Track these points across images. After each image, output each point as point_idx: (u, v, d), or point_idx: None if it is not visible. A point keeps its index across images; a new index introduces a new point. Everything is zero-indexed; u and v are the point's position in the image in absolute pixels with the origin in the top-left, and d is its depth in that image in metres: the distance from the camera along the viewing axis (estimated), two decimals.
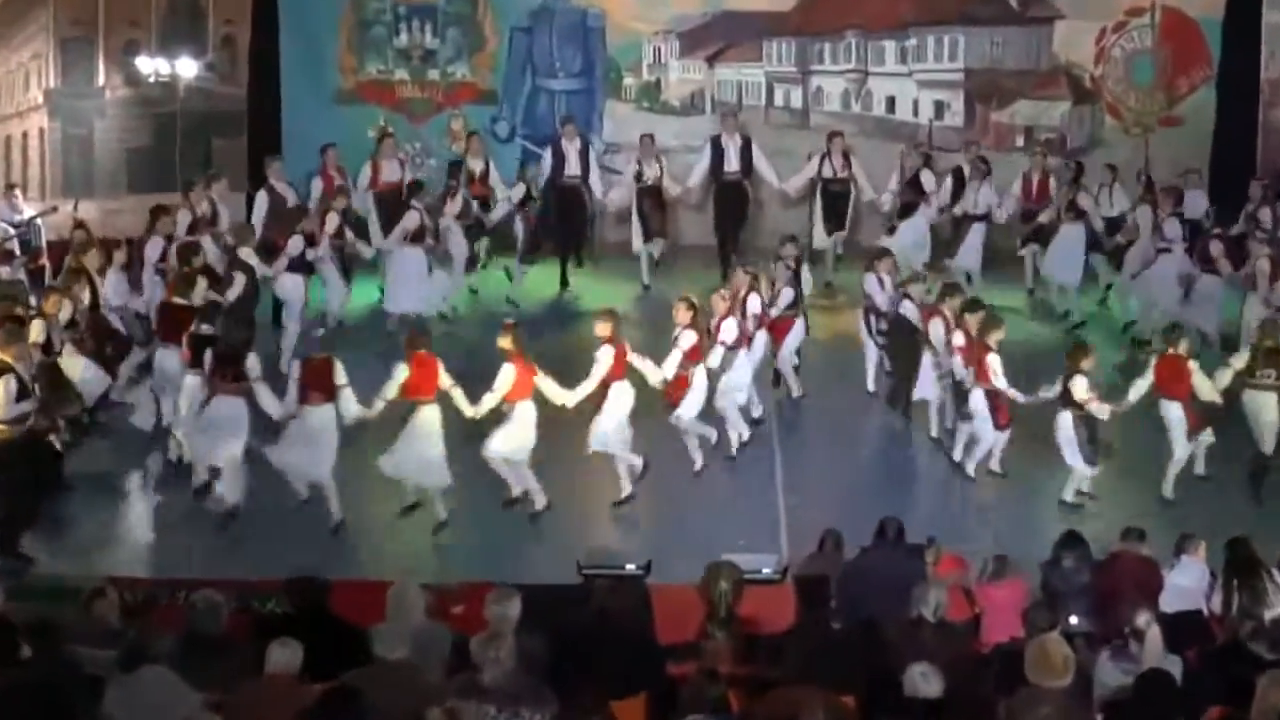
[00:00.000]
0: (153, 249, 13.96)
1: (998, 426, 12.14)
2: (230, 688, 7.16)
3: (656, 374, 11.97)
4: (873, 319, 13.67)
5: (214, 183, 15.35)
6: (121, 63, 18.66)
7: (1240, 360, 12.13)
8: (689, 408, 12.18)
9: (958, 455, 12.59)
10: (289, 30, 18.07)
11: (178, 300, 12.53)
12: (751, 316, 12.88)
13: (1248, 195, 16.02)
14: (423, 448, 11.31)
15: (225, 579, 9.95)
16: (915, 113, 18.29)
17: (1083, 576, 9.44)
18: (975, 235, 16.11)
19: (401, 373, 11.32)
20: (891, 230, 16.36)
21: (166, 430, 12.30)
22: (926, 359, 12.75)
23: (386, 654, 7.22)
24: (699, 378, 12.16)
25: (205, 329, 11.85)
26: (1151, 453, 12.16)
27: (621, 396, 11.72)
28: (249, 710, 7.01)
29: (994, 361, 12.03)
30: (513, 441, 11.46)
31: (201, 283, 12.69)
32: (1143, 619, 7.82)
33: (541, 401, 11.52)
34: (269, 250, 14.28)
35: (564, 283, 16.74)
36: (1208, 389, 11.85)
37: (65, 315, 12.43)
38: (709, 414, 12.46)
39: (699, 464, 12.38)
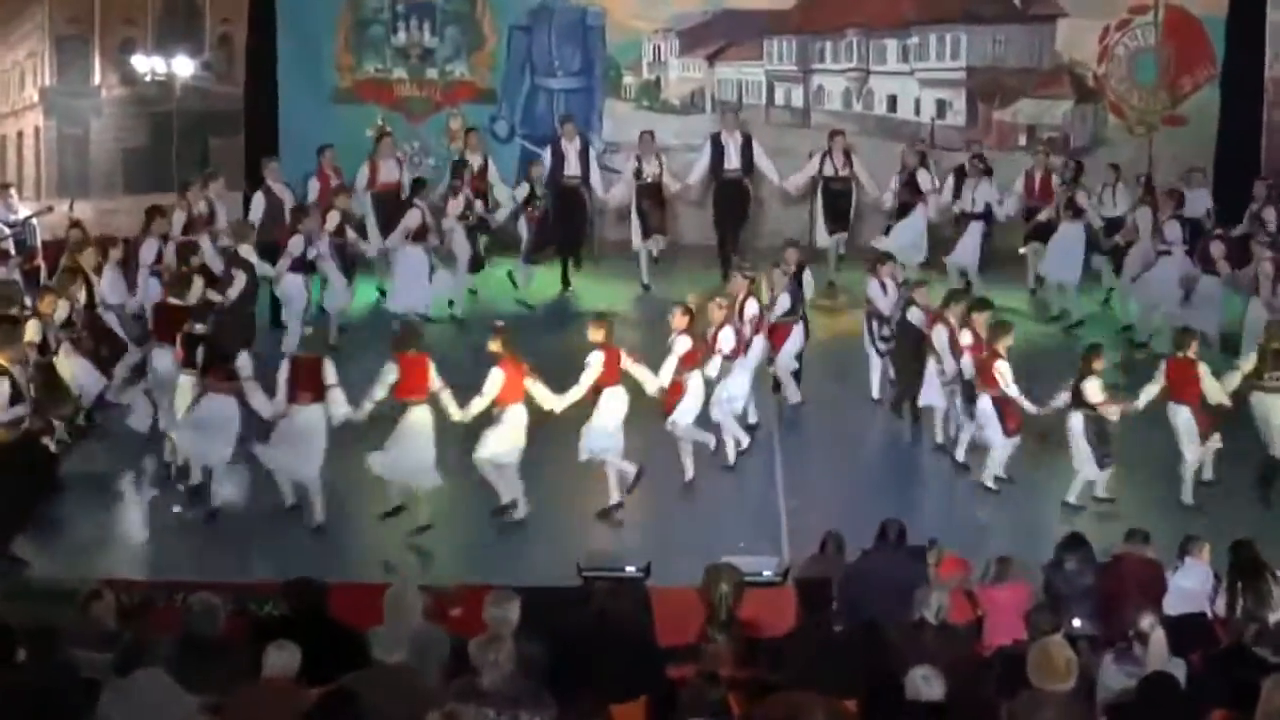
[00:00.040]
0: (148, 250, 13.96)
1: (1007, 433, 12.11)
2: (227, 691, 7.15)
3: (653, 382, 11.91)
4: (875, 324, 13.61)
5: (211, 181, 15.37)
6: (117, 61, 18.66)
7: (1248, 363, 12.14)
8: (684, 414, 12.10)
9: (961, 456, 12.58)
10: (286, 29, 18.06)
11: (173, 301, 12.54)
12: (749, 321, 12.81)
13: (1252, 195, 16.00)
14: (414, 448, 11.29)
15: (222, 581, 9.95)
16: (917, 111, 18.27)
17: (1086, 579, 9.45)
18: (973, 234, 16.10)
19: (390, 373, 11.31)
20: (887, 230, 16.36)
21: (163, 432, 12.29)
22: (931, 366, 12.71)
23: (384, 657, 7.22)
24: (694, 383, 12.09)
25: (199, 328, 11.85)
26: (1159, 456, 12.14)
27: (613, 403, 11.66)
28: (246, 714, 7.01)
29: (1003, 368, 11.99)
30: (503, 443, 11.42)
31: (198, 282, 12.70)
32: (1146, 622, 7.82)
33: (535, 405, 11.49)
34: (268, 250, 14.26)
35: (565, 283, 16.74)
36: (1216, 392, 11.85)
37: (62, 315, 12.43)
38: (705, 422, 12.40)
39: (690, 474, 12.28)
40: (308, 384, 11.30)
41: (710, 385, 12.34)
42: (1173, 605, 9.28)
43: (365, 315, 15.48)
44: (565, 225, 16.53)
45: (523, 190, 16.19)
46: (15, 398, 10.99)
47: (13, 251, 15.03)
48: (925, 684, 6.98)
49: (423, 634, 7.77)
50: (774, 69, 18.51)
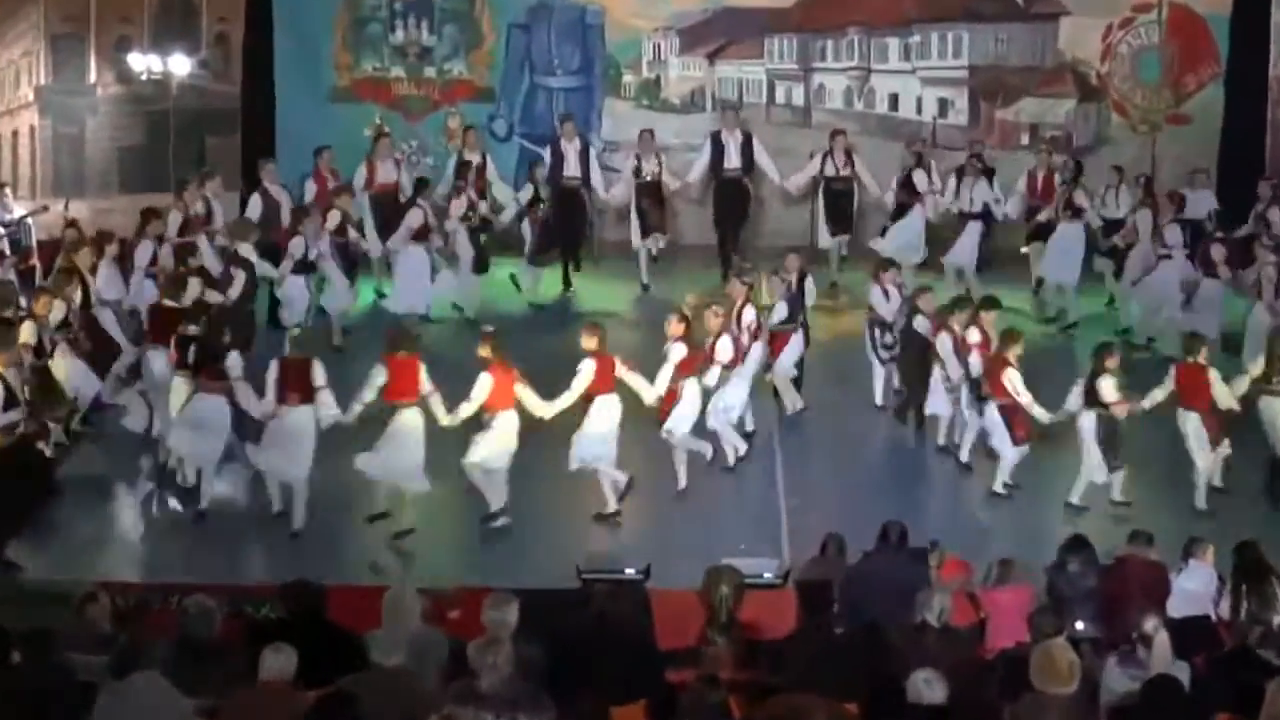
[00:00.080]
0: (142, 252, 13.94)
1: (1015, 442, 12.08)
2: (223, 694, 7.16)
3: (650, 392, 11.80)
4: (877, 331, 13.55)
5: (208, 181, 15.36)
6: (113, 60, 18.66)
7: (1257, 367, 12.13)
8: (680, 422, 12.01)
9: (965, 457, 12.56)
10: (283, 27, 18.08)
11: (168, 303, 12.54)
12: (746, 329, 12.72)
13: (1256, 195, 15.99)
14: (403, 451, 11.25)
15: (218, 583, 9.96)
16: (919, 110, 18.27)
17: (1089, 581, 9.44)
18: (971, 234, 16.08)
19: (379, 376, 11.30)
20: (883, 232, 16.37)
21: (158, 435, 12.29)
22: (936, 373, 12.69)
23: (382, 660, 7.21)
24: (690, 391, 12.01)
25: (192, 329, 11.87)
26: (1165, 458, 12.14)
27: (605, 411, 11.57)
28: (243, 717, 7.01)
29: (1013, 376, 11.96)
30: (493, 449, 11.35)
31: (194, 283, 12.70)
32: (1150, 624, 7.81)
33: (528, 410, 11.45)
34: (265, 251, 14.24)
35: (565, 283, 16.75)
36: (1226, 397, 11.83)
37: (58, 316, 12.42)
38: (702, 430, 12.32)
39: (683, 482, 12.20)
40: (296, 385, 11.29)
41: (708, 394, 12.28)
42: (1176, 608, 9.28)
43: (367, 316, 15.43)
44: (565, 227, 16.53)
45: (526, 192, 16.18)
46: (9, 402, 10.99)
47: (8, 251, 15.06)
48: (927, 687, 6.98)
49: (421, 637, 7.77)
50: (775, 67, 18.50)
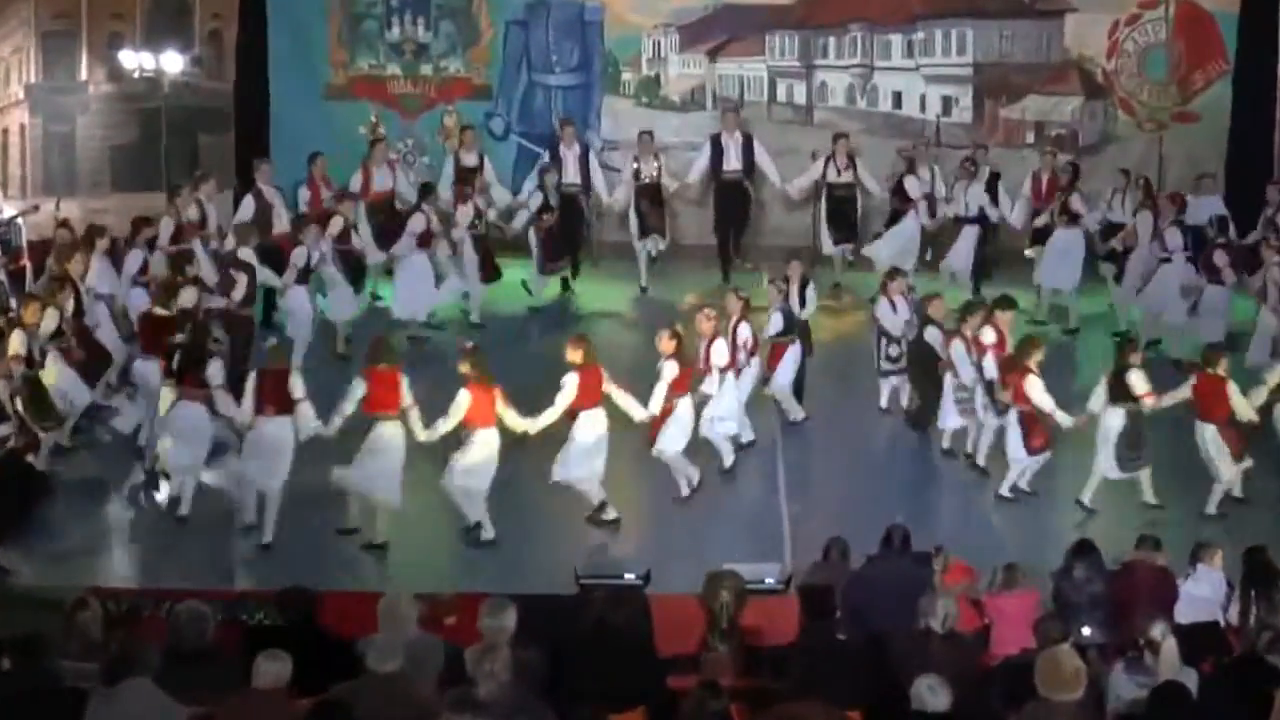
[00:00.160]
0: (132, 261, 13.92)
1: (1030, 451, 12.06)
2: (217, 701, 7.15)
3: (640, 411, 11.71)
4: (884, 343, 13.50)
5: (202, 184, 15.32)
6: (105, 57, 18.68)
7: (1276, 376, 12.12)
8: (670, 441, 11.93)
9: (982, 461, 12.53)
10: (277, 24, 18.06)
11: (160, 311, 12.54)
12: (742, 346, 12.61)
13: (1265, 198, 15.94)
14: (382, 465, 11.17)
15: (212, 589, 9.97)
16: (922, 108, 18.25)
17: (1095, 586, 9.44)
18: (967, 238, 16.04)
19: (359, 388, 11.25)
20: (876, 237, 16.35)
21: (147, 442, 12.31)
22: (948, 384, 12.68)
23: (378, 666, 7.21)
24: (683, 409, 11.92)
25: (179, 338, 11.89)
26: (1173, 463, 12.12)
27: (590, 427, 11.48)
28: None
29: (1035, 384, 11.92)
30: (472, 468, 11.26)
31: (191, 292, 12.70)
32: (1157, 630, 7.82)
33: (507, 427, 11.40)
34: (263, 254, 14.22)
35: (565, 286, 16.74)
36: (1245, 409, 11.82)
37: (50, 326, 12.40)
38: (695, 444, 12.25)
39: (685, 490, 12.15)
40: (272, 396, 11.25)
41: (704, 403, 12.21)
42: (1184, 613, 9.28)
43: (367, 322, 15.27)
44: (564, 234, 16.51)
45: (536, 198, 16.16)
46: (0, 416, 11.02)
47: None
48: (931, 694, 6.98)
49: (417, 643, 7.76)
50: (776, 65, 18.49)
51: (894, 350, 13.43)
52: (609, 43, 18.49)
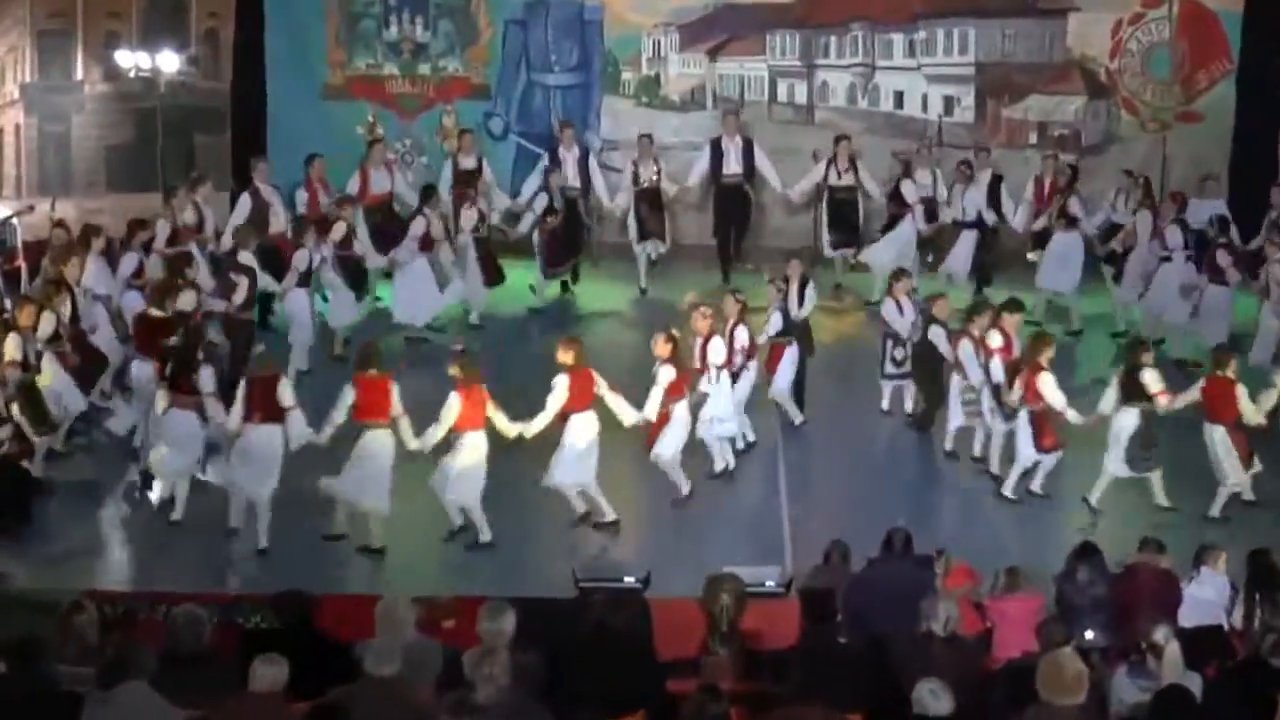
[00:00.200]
0: (127, 264, 13.92)
1: (1040, 449, 12.07)
2: (213, 705, 7.15)
3: (631, 415, 11.67)
4: (889, 345, 13.50)
5: (199, 186, 15.32)
6: (101, 56, 18.69)
7: None
8: (667, 445, 11.90)
9: (995, 468, 12.49)
10: (274, 23, 18.07)
11: (155, 312, 12.55)
12: (740, 350, 12.57)
13: (1269, 200, 15.91)
14: (370, 473, 11.16)
15: (208, 593, 9.97)
16: (924, 108, 18.26)
17: (1098, 589, 9.44)
18: (964, 242, 16.02)
19: (349, 395, 11.25)
20: (873, 241, 16.35)
21: (141, 445, 12.32)
22: (955, 384, 12.67)
23: (376, 670, 7.21)
24: (679, 413, 11.89)
25: (174, 340, 11.90)
26: (1178, 465, 12.12)
27: (581, 429, 11.45)
28: None
29: (1048, 381, 11.94)
30: (465, 477, 11.24)
31: (190, 295, 12.71)
32: (1160, 633, 7.82)
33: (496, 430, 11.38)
34: (261, 255, 14.24)
35: (565, 287, 16.75)
36: (1254, 413, 11.83)
37: (47, 330, 12.41)
38: (692, 446, 12.22)
39: (685, 490, 12.11)
40: (261, 403, 11.25)
41: (701, 403, 12.19)
42: (1188, 616, 9.29)
43: (367, 324, 15.27)
44: (566, 236, 16.51)
45: (542, 200, 16.15)
46: None
47: None
48: (933, 698, 6.98)
49: (415, 647, 7.77)
50: (777, 64, 18.49)
51: (899, 353, 13.43)
52: (608, 42, 18.49)
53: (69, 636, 7.99)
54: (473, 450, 11.23)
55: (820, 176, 16.69)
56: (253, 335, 13.67)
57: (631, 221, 16.72)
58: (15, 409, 11.79)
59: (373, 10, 18.47)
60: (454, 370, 11.32)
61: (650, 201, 16.63)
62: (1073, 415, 11.97)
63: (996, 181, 16.29)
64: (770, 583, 10.06)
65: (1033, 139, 18.11)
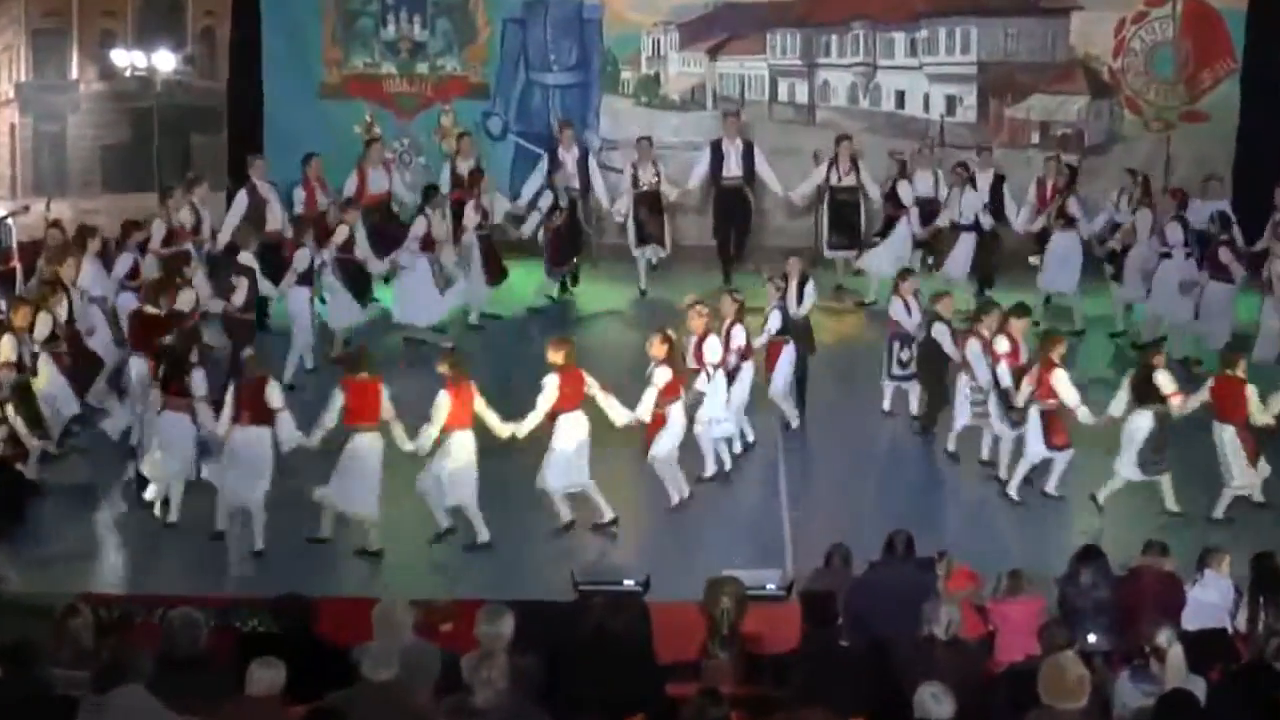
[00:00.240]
0: (122, 265, 13.92)
1: (1050, 446, 12.07)
2: (210, 709, 7.15)
3: (623, 415, 11.67)
4: (896, 346, 13.47)
5: (195, 186, 15.32)
6: (96, 55, 18.68)
7: None
8: (662, 446, 11.88)
9: (1004, 473, 12.49)
10: (271, 22, 18.08)
11: (150, 310, 12.56)
12: (735, 351, 12.54)
13: (1273, 201, 15.90)
14: (359, 478, 11.16)
15: (205, 596, 9.98)
16: (926, 108, 18.27)
17: (1101, 592, 9.45)
18: (963, 245, 15.99)
19: (339, 399, 11.25)
20: (870, 245, 16.34)
21: (135, 445, 12.33)
22: (962, 383, 12.68)
23: (373, 674, 7.21)
24: (675, 415, 11.87)
25: (168, 340, 11.91)
26: (1182, 468, 12.13)
27: (570, 429, 11.45)
28: None
29: (1062, 378, 11.96)
30: (457, 477, 11.25)
31: (188, 293, 12.73)
32: (1163, 637, 7.82)
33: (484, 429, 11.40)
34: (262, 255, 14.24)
35: (564, 288, 16.75)
36: (1261, 413, 11.83)
37: (43, 331, 12.41)
38: (691, 449, 12.23)
39: (675, 499, 12.09)
40: (249, 405, 11.26)
41: (696, 403, 12.17)
42: (1192, 619, 9.29)
43: (367, 325, 15.32)
44: (568, 235, 16.49)
45: (547, 198, 16.14)
46: None
47: None
48: (934, 702, 6.98)
49: (413, 650, 7.76)
50: (777, 63, 18.50)
51: (905, 354, 13.41)
52: (608, 41, 18.50)
53: (64, 640, 7.99)
54: (462, 450, 11.25)
55: (821, 178, 16.69)
56: (253, 336, 13.69)
57: (630, 226, 16.70)
58: (10, 410, 11.79)
59: (370, 9, 18.48)
60: (443, 368, 11.35)
61: (650, 205, 16.62)
62: (1084, 413, 11.99)
63: (999, 182, 16.30)
64: (771, 586, 10.06)
65: (1035, 139, 18.13)
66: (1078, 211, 15.78)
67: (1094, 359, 14.69)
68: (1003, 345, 12.40)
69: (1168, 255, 14.98)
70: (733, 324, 12.64)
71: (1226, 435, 11.86)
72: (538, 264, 16.47)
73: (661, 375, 11.73)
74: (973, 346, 12.54)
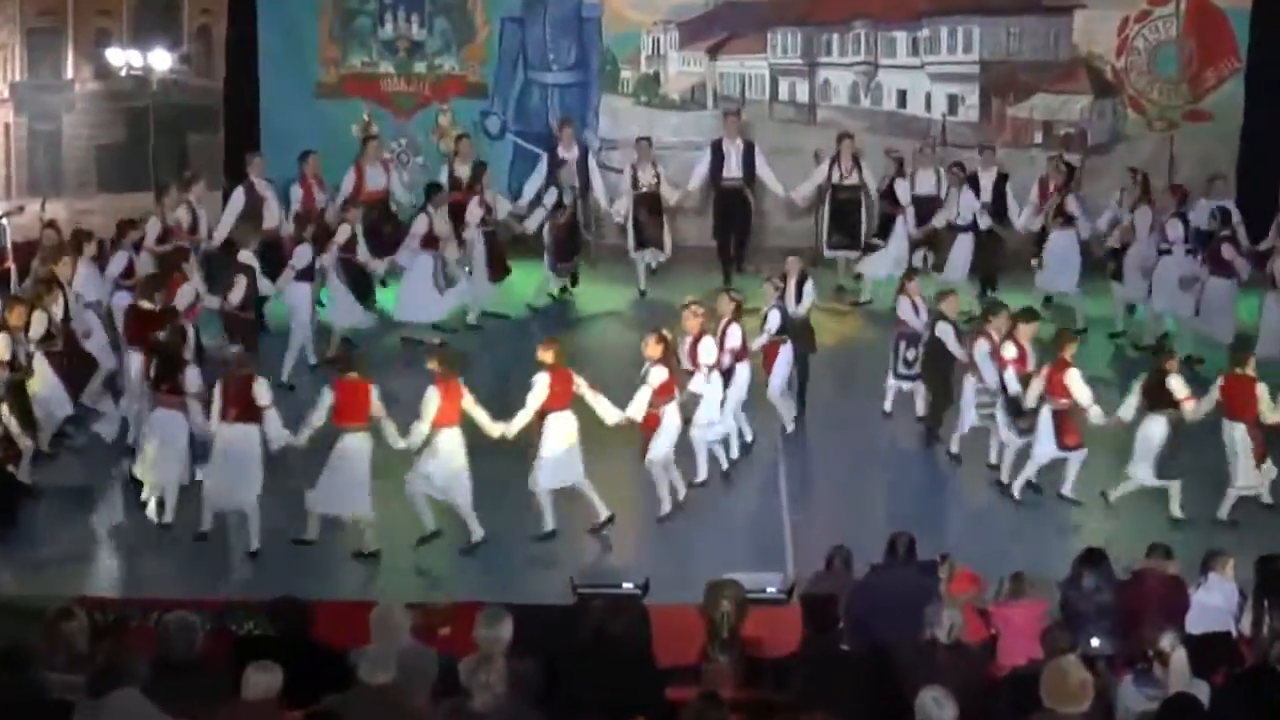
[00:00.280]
0: (116, 263, 13.91)
1: (1063, 446, 12.06)
2: (206, 713, 7.16)
3: (613, 413, 11.67)
4: (902, 346, 13.46)
5: (192, 186, 15.33)
6: (91, 54, 18.65)
7: None
8: (659, 448, 11.85)
9: (1006, 477, 12.51)
10: (267, 20, 18.10)
11: (145, 305, 12.58)
12: (729, 351, 12.49)
13: (1278, 203, 15.92)
14: (348, 479, 11.17)
15: (201, 598, 9.98)
16: (928, 107, 18.28)
17: (1104, 596, 9.45)
18: (961, 246, 15.99)
19: (328, 398, 11.26)
20: (869, 248, 16.33)
21: (130, 445, 12.34)
22: (969, 387, 12.66)
23: (370, 678, 7.21)
24: (670, 416, 11.84)
25: (160, 336, 11.92)
26: (1192, 471, 12.13)
27: (558, 428, 11.45)
28: None
29: (1075, 377, 11.97)
30: (453, 479, 11.28)
31: (188, 289, 12.74)
32: (1167, 641, 7.83)
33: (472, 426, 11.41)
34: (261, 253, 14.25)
35: (562, 288, 16.74)
36: (1271, 411, 11.83)
37: (38, 330, 12.41)
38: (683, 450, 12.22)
39: (666, 507, 12.05)
40: (236, 402, 11.26)
41: (694, 403, 12.17)
42: (1196, 623, 9.29)
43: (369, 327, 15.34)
44: (570, 234, 16.50)
45: (552, 195, 16.13)
46: None
47: None
48: (936, 706, 6.97)
49: (411, 654, 7.76)
50: (778, 62, 18.51)
51: (911, 354, 13.40)
52: (607, 40, 18.51)
53: (58, 644, 7.98)
54: (451, 448, 11.27)
55: (823, 177, 16.69)
56: (257, 335, 13.72)
57: (629, 229, 16.68)
58: (4, 410, 11.79)
59: (368, 7, 18.49)
60: (432, 364, 11.38)
61: (649, 206, 16.61)
62: (1096, 413, 11.99)
63: (1002, 181, 16.31)
64: (771, 589, 10.05)
65: (1038, 138, 18.13)
66: (1076, 210, 15.79)
67: (1094, 359, 14.67)
68: (1010, 351, 12.36)
69: (1168, 252, 14.98)
70: (729, 323, 12.63)
71: (1238, 434, 11.86)
72: (538, 264, 16.47)
73: (656, 375, 11.71)
74: (980, 348, 12.53)
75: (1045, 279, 15.84)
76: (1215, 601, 9.59)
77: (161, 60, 18.27)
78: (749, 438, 13.03)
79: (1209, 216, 15.15)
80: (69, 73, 18.78)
